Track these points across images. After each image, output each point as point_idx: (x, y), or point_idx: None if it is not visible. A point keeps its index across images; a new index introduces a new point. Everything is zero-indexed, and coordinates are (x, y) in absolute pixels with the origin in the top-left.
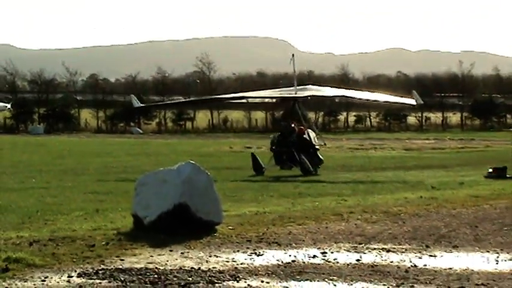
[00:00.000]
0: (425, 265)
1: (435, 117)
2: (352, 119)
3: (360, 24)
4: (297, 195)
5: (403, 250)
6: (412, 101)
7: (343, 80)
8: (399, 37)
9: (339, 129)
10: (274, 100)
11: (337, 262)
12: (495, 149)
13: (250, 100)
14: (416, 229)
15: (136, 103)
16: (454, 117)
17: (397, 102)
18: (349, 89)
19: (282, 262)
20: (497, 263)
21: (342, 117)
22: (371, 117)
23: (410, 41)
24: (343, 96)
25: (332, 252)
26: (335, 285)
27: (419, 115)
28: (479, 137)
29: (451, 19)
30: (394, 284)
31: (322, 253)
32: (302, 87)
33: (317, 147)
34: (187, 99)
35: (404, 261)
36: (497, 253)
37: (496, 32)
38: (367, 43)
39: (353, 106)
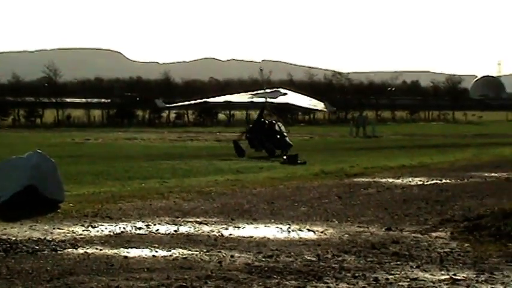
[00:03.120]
0: (230, 234)
1: (240, 114)
2: (173, 115)
3: (181, 36)
4: (127, 178)
5: (213, 222)
6: (323, 107)
7: (165, 84)
8: (212, 48)
9: (161, 124)
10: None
11: (159, 232)
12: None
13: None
14: (224, 205)
15: (162, 104)
16: (256, 114)
17: (315, 109)
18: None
19: (113, 233)
20: (288, 232)
21: (164, 114)
22: (188, 114)
23: (221, 52)
24: (287, 103)
25: (155, 225)
26: (156, 251)
27: (228, 112)
28: None
29: (254, 32)
30: (205, 250)
31: (147, 225)
32: (272, 90)
33: (285, 134)
34: (197, 101)
35: (214, 231)
36: (289, 224)
37: (290, 43)
38: (186, 53)
39: None
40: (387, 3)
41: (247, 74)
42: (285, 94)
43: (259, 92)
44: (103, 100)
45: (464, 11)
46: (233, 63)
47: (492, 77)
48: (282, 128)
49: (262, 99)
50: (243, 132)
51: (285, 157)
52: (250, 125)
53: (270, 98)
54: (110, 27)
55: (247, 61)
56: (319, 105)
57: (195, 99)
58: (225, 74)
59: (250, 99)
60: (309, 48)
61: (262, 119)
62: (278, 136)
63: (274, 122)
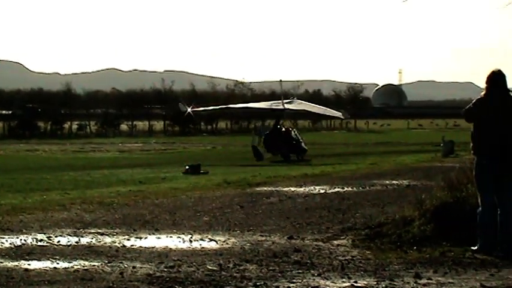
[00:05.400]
0: (132, 245)
1: (143, 124)
2: (75, 126)
3: (83, 46)
4: (28, 190)
5: (115, 233)
6: (340, 115)
7: (67, 95)
8: (114, 58)
9: (64, 136)
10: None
11: (60, 244)
12: (192, 150)
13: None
14: (126, 216)
15: (185, 108)
16: (158, 125)
17: (331, 116)
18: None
19: (14, 245)
20: (190, 242)
21: (66, 125)
22: (90, 125)
23: (123, 62)
24: (304, 110)
25: (56, 236)
26: (58, 263)
27: (130, 123)
28: (179, 140)
29: (155, 43)
30: (107, 261)
31: (48, 237)
32: (289, 100)
33: (301, 141)
34: (220, 106)
35: (115, 242)
36: (191, 234)
37: (191, 53)
38: (88, 63)
39: (76, 116)
40: (287, 13)
41: (149, 84)
42: (301, 104)
43: (277, 101)
44: (4, 112)
45: (365, 19)
46: (135, 74)
47: (393, 85)
48: (298, 135)
49: (281, 106)
50: (261, 138)
51: (187, 167)
52: (267, 132)
53: (288, 105)
54: (9, 38)
55: (149, 71)
56: (335, 113)
57: (219, 105)
58: (128, 84)
59: (270, 107)
60: (211, 58)
61: (279, 126)
62: (294, 142)
63: (290, 128)
